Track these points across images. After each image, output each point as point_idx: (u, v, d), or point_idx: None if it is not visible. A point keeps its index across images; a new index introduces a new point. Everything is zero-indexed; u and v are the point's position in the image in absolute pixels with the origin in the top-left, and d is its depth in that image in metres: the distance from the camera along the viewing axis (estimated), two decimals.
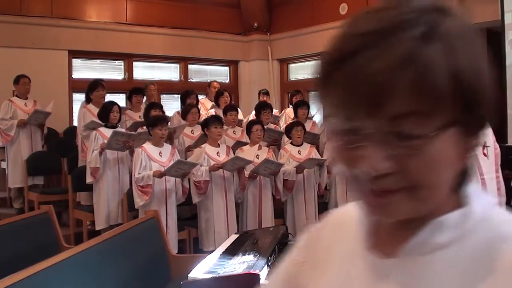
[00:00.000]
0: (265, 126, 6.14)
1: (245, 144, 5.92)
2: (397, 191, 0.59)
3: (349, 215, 0.76)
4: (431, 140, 0.57)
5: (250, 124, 5.90)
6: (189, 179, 5.30)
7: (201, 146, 5.49)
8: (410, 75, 0.55)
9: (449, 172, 0.61)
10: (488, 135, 3.99)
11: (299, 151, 5.98)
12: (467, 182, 0.67)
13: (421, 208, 0.61)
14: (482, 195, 0.67)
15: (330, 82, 0.60)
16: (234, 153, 5.58)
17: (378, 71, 0.56)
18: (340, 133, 0.61)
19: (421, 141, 0.57)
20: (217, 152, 5.40)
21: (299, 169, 5.78)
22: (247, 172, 5.50)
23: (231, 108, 6.64)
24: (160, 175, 4.89)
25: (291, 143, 6.05)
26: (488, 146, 3.95)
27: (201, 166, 5.25)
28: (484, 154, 3.92)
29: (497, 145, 4.08)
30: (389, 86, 0.55)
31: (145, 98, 7.12)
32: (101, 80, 6.93)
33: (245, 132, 6.19)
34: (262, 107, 6.76)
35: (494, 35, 6.46)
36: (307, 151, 6.00)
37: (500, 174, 4.00)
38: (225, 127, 6.05)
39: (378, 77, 0.56)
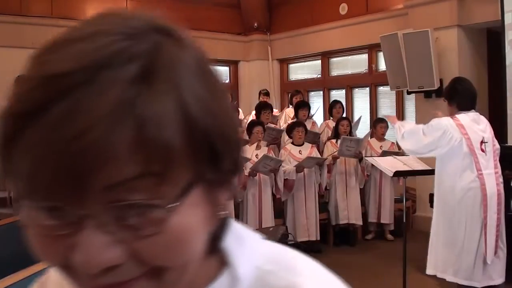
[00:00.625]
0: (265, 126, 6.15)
1: (246, 141, 5.92)
2: (134, 281, 0.44)
3: None
4: (171, 211, 0.43)
5: (251, 124, 5.91)
6: None
7: None
8: (126, 133, 0.40)
9: (201, 240, 0.47)
10: (486, 131, 4.00)
11: (300, 151, 5.99)
12: (224, 235, 0.53)
13: None
14: (244, 241, 0.55)
15: (15, 146, 0.42)
16: None
17: (79, 132, 0.40)
18: (39, 216, 0.43)
19: (157, 214, 0.42)
20: None
21: (299, 168, 5.78)
22: (246, 171, 5.51)
23: None
24: None
25: (292, 143, 6.06)
26: (486, 142, 3.96)
27: None
28: (482, 150, 3.93)
29: (496, 142, 4.09)
30: (99, 151, 0.40)
31: None
32: None
33: (245, 131, 6.20)
34: (262, 107, 6.77)
35: (494, 35, 6.46)
36: (308, 151, 6.00)
37: (499, 169, 4.01)
38: None
39: (80, 140, 0.40)
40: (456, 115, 3.96)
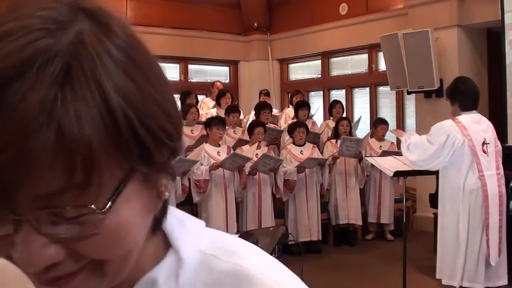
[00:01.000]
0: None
1: (246, 142, 5.93)
2: (77, 272, 0.44)
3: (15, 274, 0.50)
4: (105, 213, 0.42)
5: (252, 125, 5.90)
6: (189, 178, 5.31)
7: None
8: (48, 138, 0.39)
9: (144, 226, 0.48)
10: (488, 132, 3.99)
11: (301, 151, 5.98)
12: (165, 217, 0.53)
13: (117, 278, 0.47)
14: (186, 225, 0.55)
15: None
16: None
17: (2, 142, 0.39)
18: None
19: (91, 218, 0.42)
20: (218, 152, 5.41)
21: (300, 169, 5.78)
22: (247, 170, 5.51)
23: (234, 109, 6.65)
24: None
25: (293, 143, 6.06)
26: (488, 143, 3.95)
27: (201, 165, 5.27)
28: (484, 151, 3.92)
29: (498, 142, 4.07)
30: (23, 161, 0.39)
31: None
32: None
33: (245, 132, 6.20)
34: (262, 107, 6.77)
35: (494, 35, 6.46)
36: (309, 151, 6.00)
37: (501, 170, 3.99)
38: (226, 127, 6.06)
39: (4, 151, 0.39)
40: (457, 116, 3.95)
